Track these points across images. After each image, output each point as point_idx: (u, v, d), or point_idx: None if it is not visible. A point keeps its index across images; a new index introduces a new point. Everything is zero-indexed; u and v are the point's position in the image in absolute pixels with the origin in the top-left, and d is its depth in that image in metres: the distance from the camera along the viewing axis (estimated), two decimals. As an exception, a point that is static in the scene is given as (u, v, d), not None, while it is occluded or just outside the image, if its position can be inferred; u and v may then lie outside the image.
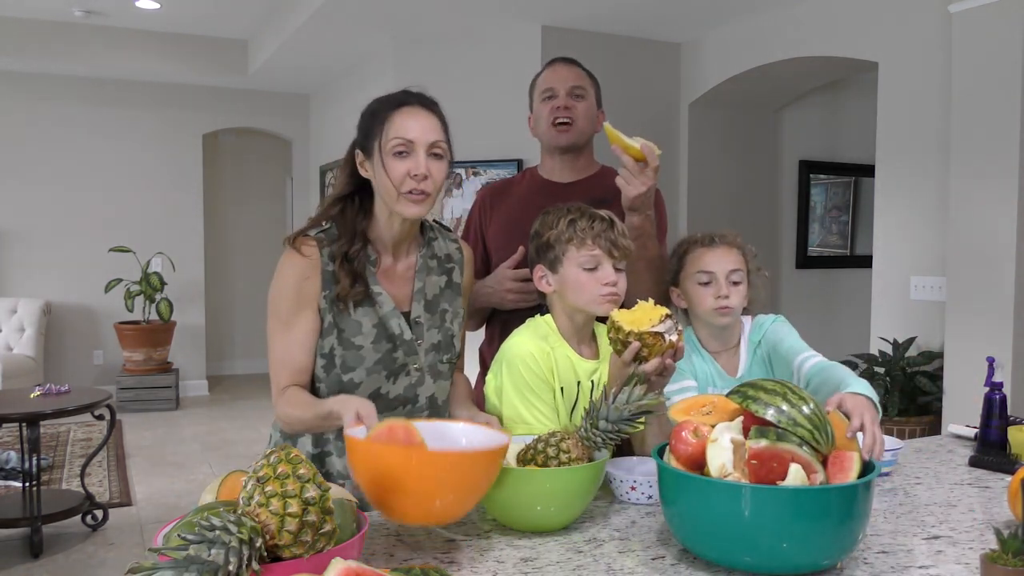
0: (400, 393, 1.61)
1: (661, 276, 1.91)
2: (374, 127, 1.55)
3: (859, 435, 1.34)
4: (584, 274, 1.63)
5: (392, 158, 1.52)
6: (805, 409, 1.22)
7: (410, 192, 1.52)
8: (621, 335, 1.51)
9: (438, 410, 1.66)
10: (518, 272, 1.97)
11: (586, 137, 2.11)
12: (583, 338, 1.72)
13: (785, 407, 1.22)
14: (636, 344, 1.49)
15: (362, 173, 1.58)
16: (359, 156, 1.58)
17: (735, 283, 1.79)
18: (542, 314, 1.74)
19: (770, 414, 1.22)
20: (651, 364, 1.50)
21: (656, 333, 1.49)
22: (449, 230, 1.78)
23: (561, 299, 1.68)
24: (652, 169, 1.78)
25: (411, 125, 1.52)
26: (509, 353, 1.66)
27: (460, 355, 1.75)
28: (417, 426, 1.30)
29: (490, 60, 5.02)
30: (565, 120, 2.06)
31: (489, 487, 1.26)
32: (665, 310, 1.53)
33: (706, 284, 1.79)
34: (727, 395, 1.31)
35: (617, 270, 1.64)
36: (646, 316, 1.52)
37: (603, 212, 1.67)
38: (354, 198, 1.61)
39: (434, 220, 1.76)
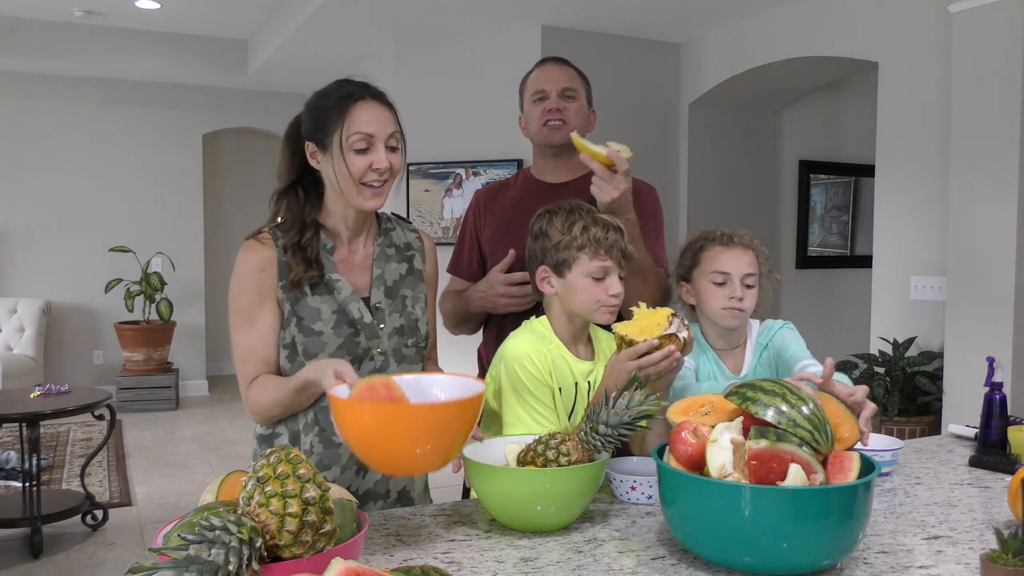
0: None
1: (649, 278, 1.93)
2: (331, 121, 1.56)
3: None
4: (592, 283, 1.63)
5: (353, 154, 1.55)
6: (804, 410, 1.22)
7: (370, 185, 1.56)
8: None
9: None
10: (510, 276, 1.97)
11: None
12: (579, 339, 1.72)
13: (784, 408, 1.22)
14: (658, 355, 1.50)
15: (313, 164, 1.61)
16: (310, 147, 1.60)
17: (748, 286, 1.78)
18: (538, 315, 1.74)
19: (770, 415, 1.22)
20: (657, 354, 1.50)
21: (669, 335, 1.51)
22: (408, 221, 1.80)
23: (562, 302, 1.68)
24: (622, 173, 1.80)
25: (370, 119, 1.56)
26: (507, 355, 1.65)
27: (431, 345, 1.77)
28: (396, 380, 1.33)
29: (490, 60, 5.02)
30: (557, 120, 2.07)
31: (469, 434, 1.31)
32: (667, 311, 1.54)
33: (720, 284, 1.78)
34: (725, 396, 1.31)
35: (620, 279, 1.65)
36: (652, 322, 1.52)
37: (612, 219, 1.68)
38: (297, 189, 1.63)
39: (392, 212, 1.78)
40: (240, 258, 1.61)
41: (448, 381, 1.43)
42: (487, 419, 1.73)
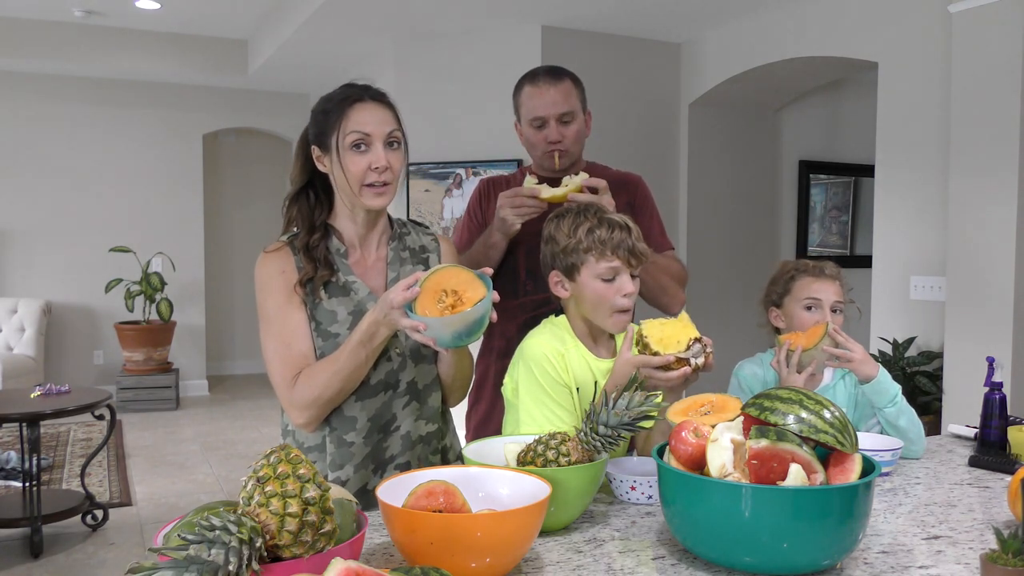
0: (381, 379, 1.62)
1: (656, 268, 2.00)
2: (329, 123, 1.59)
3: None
4: (601, 284, 1.64)
5: (351, 153, 1.57)
6: (826, 414, 1.22)
7: (372, 185, 1.58)
8: (648, 352, 1.55)
9: (418, 395, 1.66)
10: (509, 191, 1.98)
11: (578, 154, 2.16)
12: (599, 337, 1.73)
13: (804, 415, 1.22)
14: (676, 374, 1.53)
15: (320, 168, 1.63)
16: (315, 151, 1.63)
17: (835, 312, 1.98)
18: (557, 315, 1.75)
19: (791, 423, 1.21)
20: (675, 374, 1.53)
21: (681, 359, 1.53)
22: (426, 226, 1.81)
23: (576, 306, 1.69)
24: (602, 191, 1.86)
25: (366, 119, 1.58)
26: (524, 354, 1.67)
27: None
28: (453, 478, 1.25)
29: (490, 60, 5.02)
30: (558, 149, 2.10)
31: (534, 537, 1.21)
32: (694, 332, 1.55)
33: (810, 310, 1.97)
34: (743, 408, 1.30)
35: (632, 276, 1.66)
36: (675, 337, 1.54)
37: (619, 218, 1.68)
38: (308, 192, 1.66)
39: (409, 218, 1.80)
40: (258, 270, 1.63)
41: (512, 477, 1.32)
42: (510, 414, 1.74)
